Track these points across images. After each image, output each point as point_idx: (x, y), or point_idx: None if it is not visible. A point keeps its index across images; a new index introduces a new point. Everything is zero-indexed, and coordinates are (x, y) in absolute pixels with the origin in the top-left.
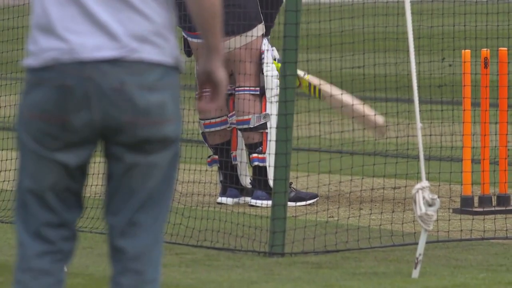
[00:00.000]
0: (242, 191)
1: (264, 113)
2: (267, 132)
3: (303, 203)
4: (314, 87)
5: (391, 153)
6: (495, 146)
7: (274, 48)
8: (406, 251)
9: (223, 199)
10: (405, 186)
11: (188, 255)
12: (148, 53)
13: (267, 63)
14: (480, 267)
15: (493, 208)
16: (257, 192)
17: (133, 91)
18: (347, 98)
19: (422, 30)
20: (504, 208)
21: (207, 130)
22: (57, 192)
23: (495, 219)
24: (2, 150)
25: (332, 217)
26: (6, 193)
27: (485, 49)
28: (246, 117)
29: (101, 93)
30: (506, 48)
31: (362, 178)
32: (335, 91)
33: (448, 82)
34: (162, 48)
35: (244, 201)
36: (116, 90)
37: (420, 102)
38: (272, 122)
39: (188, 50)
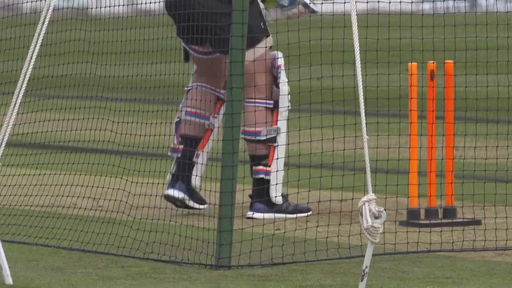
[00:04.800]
0: (188, 190)
1: (275, 126)
2: (274, 146)
3: (301, 215)
4: None
5: (337, 166)
6: (442, 159)
7: None
8: (352, 263)
9: (174, 192)
10: (352, 199)
11: (134, 268)
12: None
13: (281, 75)
14: (427, 280)
15: (439, 221)
16: (257, 205)
17: None
18: None
19: (369, 43)
20: (450, 221)
21: (187, 117)
22: None
23: (441, 231)
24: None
25: (279, 229)
26: None
27: (432, 61)
28: (257, 129)
29: None
30: (452, 61)
31: (309, 191)
32: None
33: (395, 94)
34: None
35: (188, 202)
36: None
37: (367, 114)
38: (282, 140)
39: (187, 56)
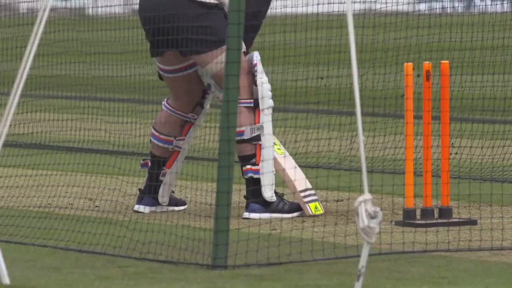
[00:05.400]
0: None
1: (258, 124)
2: (260, 144)
3: (296, 214)
4: None
5: (333, 166)
6: (438, 159)
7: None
8: (348, 263)
9: (140, 207)
10: (348, 199)
11: (131, 268)
12: None
13: (260, 74)
14: (422, 280)
15: (435, 221)
16: (252, 205)
17: None
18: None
19: (365, 43)
20: (446, 221)
21: (152, 138)
22: None
23: (437, 231)
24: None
25: (275, 229)
26: None
27: (427, 62)
28: (240, 129)
29: None
30: (447, 61)
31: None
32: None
33: (391, 95)
34: None
35: (161, 209)
36: None
37: (363, 114)
38: (268, 142)
39: (160, 75)
